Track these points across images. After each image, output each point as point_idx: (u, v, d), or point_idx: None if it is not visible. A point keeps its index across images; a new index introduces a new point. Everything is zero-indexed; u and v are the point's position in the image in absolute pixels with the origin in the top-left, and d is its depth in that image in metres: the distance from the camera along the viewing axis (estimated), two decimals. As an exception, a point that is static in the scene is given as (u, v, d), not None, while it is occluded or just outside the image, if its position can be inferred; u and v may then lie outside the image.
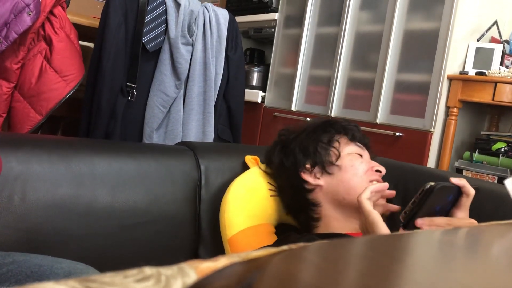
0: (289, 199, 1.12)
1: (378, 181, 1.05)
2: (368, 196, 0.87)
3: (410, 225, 0.79)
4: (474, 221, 0.83)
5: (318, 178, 1.07)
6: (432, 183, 0.78)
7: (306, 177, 1.07)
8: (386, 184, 0.92)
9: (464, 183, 0.82)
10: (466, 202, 0.83)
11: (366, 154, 1.10)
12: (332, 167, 1.06)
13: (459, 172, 2.15)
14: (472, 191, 0.83)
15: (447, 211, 0.84)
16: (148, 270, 0.24)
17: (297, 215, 1.12)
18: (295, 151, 1.09)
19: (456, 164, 2.20)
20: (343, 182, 1.04)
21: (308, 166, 1.08)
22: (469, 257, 0.39)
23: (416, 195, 0.79)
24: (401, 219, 0.81)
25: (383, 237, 0.44)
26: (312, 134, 1.10)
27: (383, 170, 1.07)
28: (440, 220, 0.80)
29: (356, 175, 1.04)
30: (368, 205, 0.85)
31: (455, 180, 0.82)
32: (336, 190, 1.05)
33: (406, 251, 0.38)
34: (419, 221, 0.78)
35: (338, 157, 1.07)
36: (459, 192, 0.83)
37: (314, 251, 0.33)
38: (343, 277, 0.28)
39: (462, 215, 0.84)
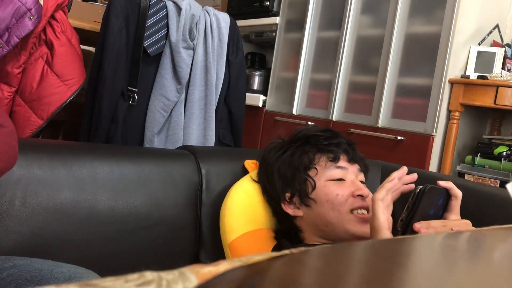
0: (277, 218, 1.12)
1: (361, 207, 0.99)
2: (382, 197, 0.84)
3: (408, 231, 0.80)
4: (468, 221, 0.84)
5: (298, 208, 1.04)
6: (421, 186, 0.80)
7: (286, 208, 1.05)
8: (397, 182, 0.86)
9: (451, 185, 0.85)
10: (456, 205, 0.85)
11: (350, 173, 1.04)
12: (308, 200, 1.02)
13: (461, 176, 2.15)
14: (459, 193, 0.85)
15: (439, 216, 0.86)
16: (149, 275, 0.24)
17: (287, 232, 1.11)
18: (274, 178, 1.06)
19: (458, 168, 2.19)
20: (320, 216, 1.01)
21: (288, 195, 1.05)
22: (471, 261, 0.38)
23: (409, 201, 0.81)
24: (398, 227, 0.82)
25: (384, 242, 0.44)
26: (291, 158, 1.06)
27: (365, 193, 1.00)
28: (436, 222, 0.81)
29: (333, 209, 0.99)
30: (379, 208, 0.83)
31: (442, 183, 0.84)
32: (315, 222, 1.02)
33: (407, 255, 0.38)
34: (417, 225, 0.79)
35: (314, 188, 1.02)
36: (448, 196, 0.86)
37: (315, 256, 0.33)
38: (344, 282, 0.28)
39: (454, 218, 0.85)
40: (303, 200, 1.03)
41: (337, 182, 1.02)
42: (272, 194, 1.08)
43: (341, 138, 1.07)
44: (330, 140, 1.05)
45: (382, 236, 0.81)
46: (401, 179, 0.88)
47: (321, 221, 1.01)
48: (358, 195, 1.00)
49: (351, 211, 0.99)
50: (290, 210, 1.05)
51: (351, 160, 1.05)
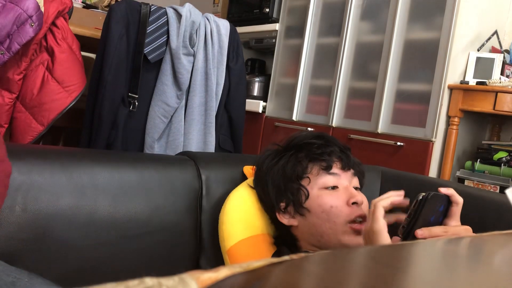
0: (274, 226, 1.11)
1: (358, 217, 0.98)
2: (386, 205, 0.84)
3: (409, 238, 0.80)
4: (468, 227, 0.84)
5: (293, 217, 1.04)
6: (424, 193, 0.80)
7: (281, 218, 1.05)
8: (406, 201, 0.87)
9: (452, 192, 0.84)
10: (456, 211, 0.85)
11: (343, 179, 1.02)
12: (302, 209, 1.01)
13: (461, 181, 2.15)
14: (460, 199, 0.85)
15: (439, 222, 0.86)
16: (149, 281, 0.24)
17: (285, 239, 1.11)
18: (268, 188, 1.06)
19: (458, 173, 2.19)
20: (315, 226, 1.00)
21: (282, 205, 1.04)
22: (472, 267, 0.38)
23: (411, 208, 0.81)
24: (400, 234, 0.82)
25: (384, 247, 0.44)
26: (284, 167, 1.04)
27: (360, 200, 0.99)
28: (437, 229, 0.82)
29: (328, 221, 0.98)
30: (380, 212, 0.83)
31: (443, 190, 0.84)
32: (310, 232, 1.02)
33: (408, 261, 0.38)
34: (419, 232, 0.80)
35: (307, 197, 1.01)
36: (448, 202, 0.86)
37: (315, 262, 0.33)
38: None
39: (454, 224, 0.85)
40: (297, 210, 1.02)
41: (330, 191, 1.01)
42: (267, 203, 1.08)
43: (334, 146, 1.05)
44: (323, 148, 1.04)
45: (382, 239, 0.81)
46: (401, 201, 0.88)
47: (316, 231, 1.00)
48: (353, 203, 0.99)
49: (348, 222, 0.98)
50: (285, 220, 1.05)
51: (345, 167, 1.04)
